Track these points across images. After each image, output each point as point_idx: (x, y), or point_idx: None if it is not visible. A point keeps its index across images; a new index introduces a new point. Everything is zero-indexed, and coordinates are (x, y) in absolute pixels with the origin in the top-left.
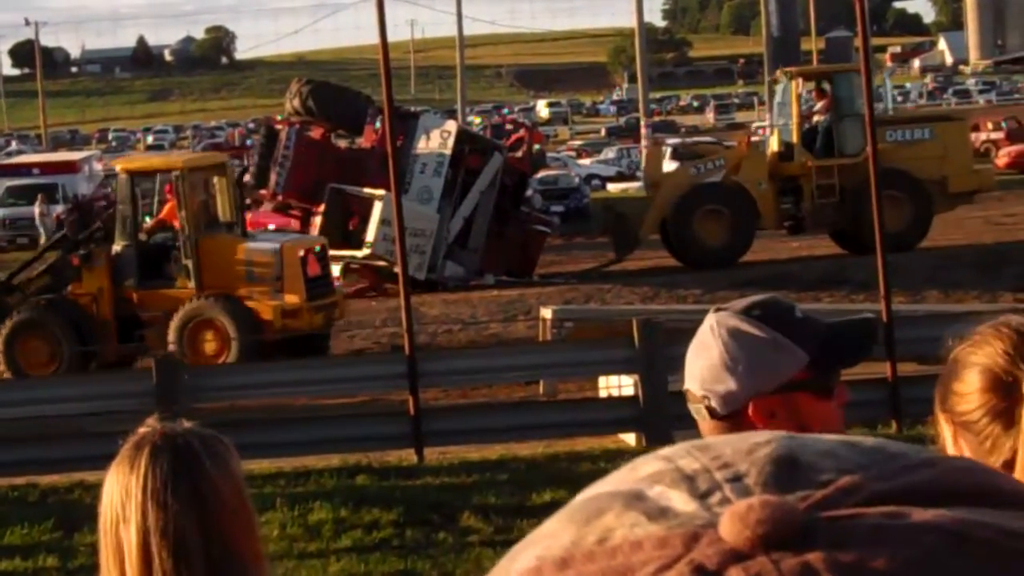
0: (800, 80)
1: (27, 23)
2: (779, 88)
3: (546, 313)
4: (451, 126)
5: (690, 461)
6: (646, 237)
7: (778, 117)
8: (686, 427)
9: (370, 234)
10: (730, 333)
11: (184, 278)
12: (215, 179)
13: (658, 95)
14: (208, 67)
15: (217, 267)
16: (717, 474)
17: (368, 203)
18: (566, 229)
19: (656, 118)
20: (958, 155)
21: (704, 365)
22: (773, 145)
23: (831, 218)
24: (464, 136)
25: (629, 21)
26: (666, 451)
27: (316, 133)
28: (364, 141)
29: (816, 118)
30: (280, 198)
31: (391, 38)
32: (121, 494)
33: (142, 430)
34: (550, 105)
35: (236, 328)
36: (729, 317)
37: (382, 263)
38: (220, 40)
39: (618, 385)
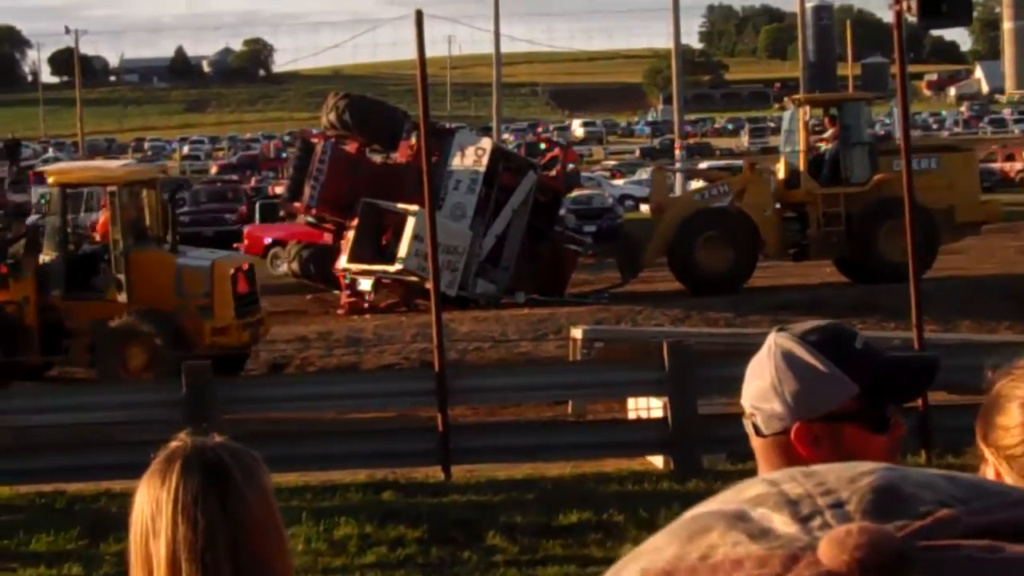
0: (807, 107)
1: (67, 31)
2: (786, 115)
3: (576, 333)
4: (486, 143)
5: (794, 486)
6: (650, 261)
7: (785, 144)
8: (714, 450)
9: (402, 249)
10: (783, 355)
11: (115, 291)
12: (145, 193)
13: (693, 117)
14: (245, 79)
15: (148, 282)
16: (819, 500)
17: (401, 218)
18: (598, 249)
19: (691, 140)
20: (965, 186)
21: (756, 383)
22: (780, 172)
23: (836, 246)
24: (499, 154)
25: (666, 42)
26: (772, 475)
27: (351, 147)
28: (399, 156)
29: (823, 146)
30: (314, 211)
31: (428, 54)
32: (151, 507)
33: (173, 444)
34: (585, 124)
35: (166, 343)
36: (786, 339)
37: (413, 279)
38: (258, 52)
39: (647, 407)
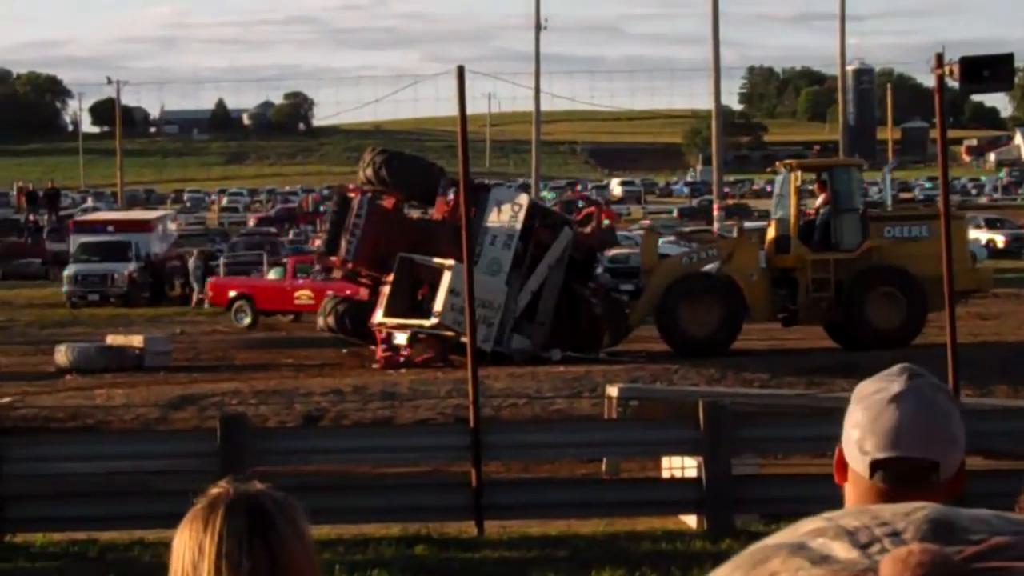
0: (799, 172)
1: (109, 82)
2: (778, 180)
3: (612, 391)
4: (523, 200)
5: (851, 520)
6: (637, 322)
7: (776, 209)
8: (748, 511)
9: (438, 304)
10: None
11: None
12: None
13: (732, 178)
14: (285, 132)
15: None
16: (877, 530)
17: (437, 273)
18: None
19: (729, 201)
20: (955, 253)
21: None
22: (770, 236)
23: (825, 312)
24: (535, 210)
25: (706, 103)
26: (828, 514)
27: (388, 202)
28: (435, 212)
29: (814, 212)
30: (350, 266)
31: (469, 111)
32: (193, 552)
33: (215, 490)
34: (623, 184)
35: None
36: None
37: (449, 333)
38: (299, 106)
39: (681, 466)
